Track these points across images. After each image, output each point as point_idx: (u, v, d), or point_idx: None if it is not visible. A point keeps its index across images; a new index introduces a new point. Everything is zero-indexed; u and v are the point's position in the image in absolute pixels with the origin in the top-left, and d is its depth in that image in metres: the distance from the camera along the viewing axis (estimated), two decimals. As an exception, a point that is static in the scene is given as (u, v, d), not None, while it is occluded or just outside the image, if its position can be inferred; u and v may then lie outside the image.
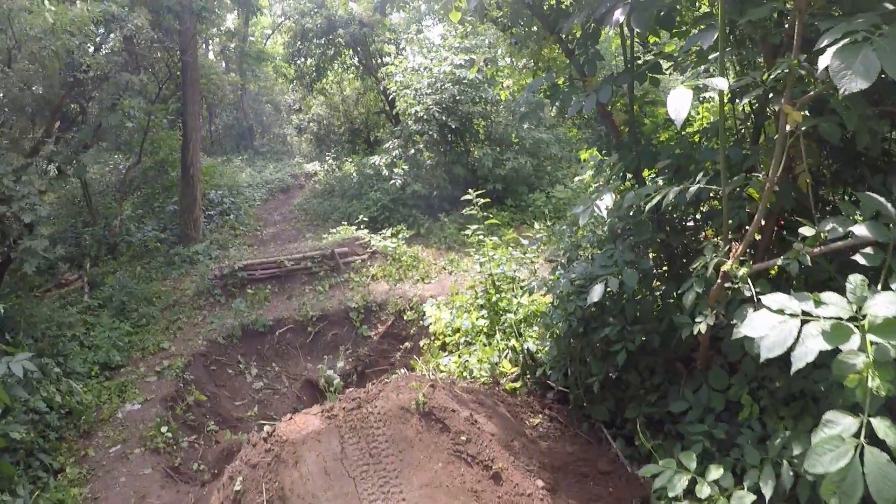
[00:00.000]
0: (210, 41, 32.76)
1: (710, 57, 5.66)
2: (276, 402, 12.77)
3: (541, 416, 8.38)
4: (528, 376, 9.09)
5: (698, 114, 9.00)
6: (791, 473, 5.03)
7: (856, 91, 3.29)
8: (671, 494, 5.36)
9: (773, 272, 5.89)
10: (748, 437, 5.76)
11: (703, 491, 5.30)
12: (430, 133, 19.58)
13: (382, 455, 6.29)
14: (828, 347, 3.46)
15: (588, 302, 6.19)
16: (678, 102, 3.96)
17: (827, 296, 3.76)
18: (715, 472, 5.38)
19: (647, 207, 5.62)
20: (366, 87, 31.92)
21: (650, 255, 7.40)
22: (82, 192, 19.25)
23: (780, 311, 3.74)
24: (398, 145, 20.71)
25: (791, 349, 3.54)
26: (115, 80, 14.30)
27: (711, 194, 5.77)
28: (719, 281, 5.32)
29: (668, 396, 7.01)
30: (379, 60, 28.45)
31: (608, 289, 6.19)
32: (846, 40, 3.44)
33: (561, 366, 8.28)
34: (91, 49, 14.22)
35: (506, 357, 9.60)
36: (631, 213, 6.99)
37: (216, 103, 31.67)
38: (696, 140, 7.27)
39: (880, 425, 3.30)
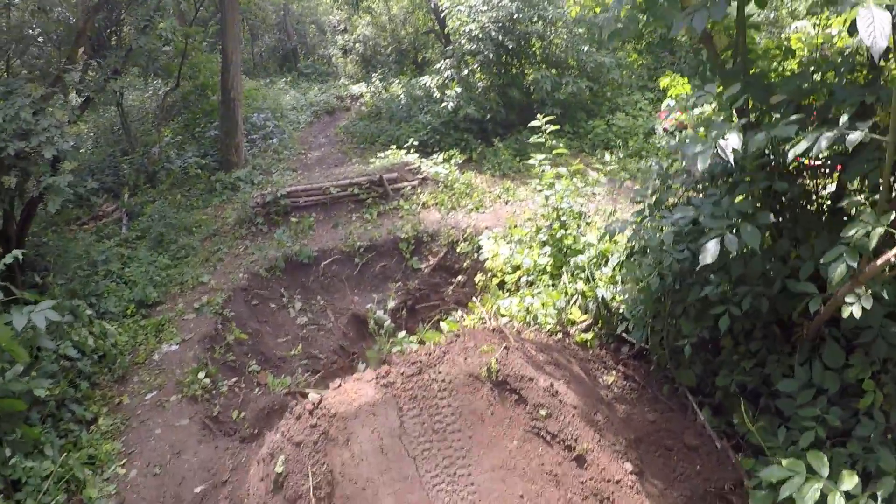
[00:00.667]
0: (252, -42, 31.59)
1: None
2: (321, 338, 12.07)
3: (615, 373, 7.48)
4: (601, 327, 8.15)
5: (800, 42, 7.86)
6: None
7: None
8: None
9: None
10: (869, 429, 4.97)
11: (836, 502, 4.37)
12: (485, 53, 18.41)
13: (448, 431, 5.36)
14: None
15: (701, 262, 5.06)
16: (876, 24, 2.88)
17: None
18: (848, 482, 4.45)
19: (793, 154, 4.55)
20: (414, 6, 30.70)
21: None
22: (119, 121, 18.53)
23: None
24: (450, 66, 19.58)
25: None
26: (144, 1, 13.33)
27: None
28: (892, 258, 4.29)
29: (767, 366, 6.11)
30: (430, -25, 27.17)
31: (725, 247, 5.06)
32: None
33: (644, 322, 7.28)
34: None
35: (574, 303, 8.64)
36: (759, 158, 5.89)
37: (258, 24, 30.73)
38: (821, 74, 6.10)
39: None
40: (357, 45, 33.68)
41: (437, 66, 20.47)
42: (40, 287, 10.25)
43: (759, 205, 5.99)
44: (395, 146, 18.90)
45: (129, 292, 11.49)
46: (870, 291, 4.52)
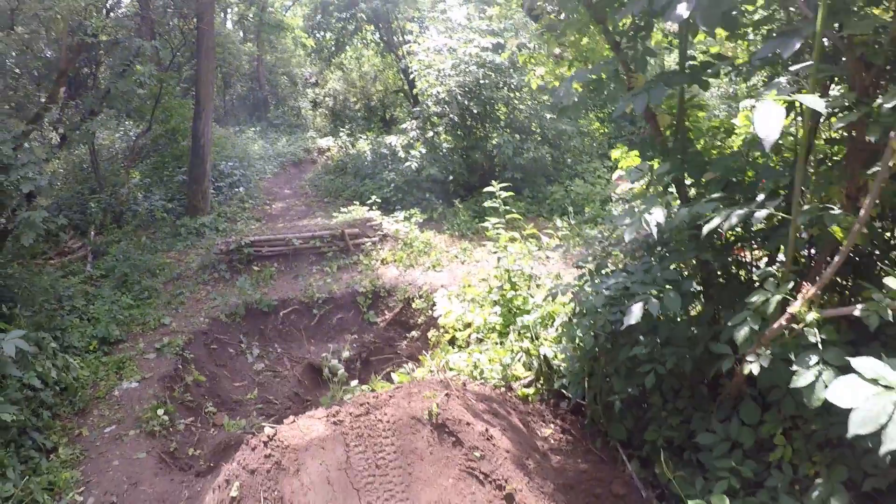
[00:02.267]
0: (228, 9, 32.24)
1: (791, 68, 5.15)
2: (276, 385, 12.38)
3: (553, 426, 7.97)
4: (542, 383, 8.67)
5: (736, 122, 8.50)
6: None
7: None
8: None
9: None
10: (778, 480, 5.43)
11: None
12: (451, 116, 19.15)
13: (390, 467, 5.85)
14: None
15: (625, 323, 5.65)
16: (769, 120, 3.45)
17: None
18: None
19: (707, 229, 5.13)
20: (385, 65, 31.53)
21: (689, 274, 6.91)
22: (90, 159, 18.88)
23: (874, 381, 3.28)
24: (416, 126, 20.30)
25: (884, 426, 3.09)
26: (126, 45, 13.88)
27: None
28: (783, 322, 4.83)
29: (692, 422, 6.61)
30: (401, 38, 27.95)
31: (649, 310, 5.67)
32: None
33: (580, 379, 7.83)
34: (103, 12, 13.75)
35: (519, 360, 9.16)
36: (681, 231, 6.50)
37: (231, 73, 31.29)
38: (753, 155, 6.74)
39: None
40: (327, 98, 34.38)
41: (404, 125, 21.16)
42: (7, 317, 10.53)
43: (687, 273, 6.61)
44: (357, 202, 19.38)
45: (92, 329, 11.76)
46: (769, 351, 5.05)
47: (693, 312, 7.05)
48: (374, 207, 18.50)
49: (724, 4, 5.07)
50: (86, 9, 11.70)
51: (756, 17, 6.32)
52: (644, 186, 7.12)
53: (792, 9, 5.41)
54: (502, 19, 19.19)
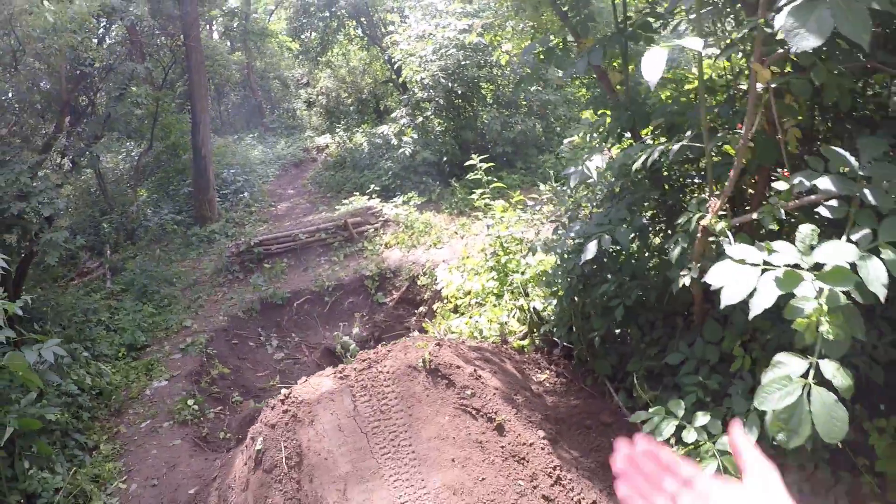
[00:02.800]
0: (213, 22, 32.87)
1: (691, 16, 5.83)
2: (296, 371, 13.09)
3: (548, 371, 8.68)
4: (535, 334, 9.38)
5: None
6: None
7: (808, 49, 3.45)
8: (659, 439, 5.60)
9: (775, 227, 5.92)
10: (739, 388, 5.98)
11: (690, 436, 5.53)
12: (437, 99, 19.77)
13: (392, 411, 6.63)
14: (781, 293, 3.65)
15: (582, 259, 6.38)
16: (652, 63, 4.07)
17: (779, 244, 3.94)
18: (702, 419, 5.60)
19: (634, 166, 5.82)
20: (371, 57, 31.97)
21: (647, 213, 7.59)
22: (97, 183, 19.65)
23: (742, 261, 3.92)
24: (406, 113, 20.91)
25: (750, 297, 3.74)
26: (120, 70, 14.62)
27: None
28: (700, 235, 5.45)
29: (667, 350, 7.23)
30: (383, 29, 28.54)
31: (602, 246, 6.37)
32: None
33: (565, 323, 8.56)
34: (95, 42, 14.48)
35: (514, 316, 9.89)
36: (626, 173, 7.19)
37: (223, 83, 31.89)
38: (693, 98, 7.42)
39: (828, 367, 3.48)
40: (320, 97, 34.85)
41: (394, 114, 21.78)
42: (39, 335, 11.29)
43: (651, 213, 7.34)
44: (358, 193, 19.96)
45: (119, 338, 12.54)
46: (698, 265, 5.67)
47: (655, 250, 7.74)
48: (373, 196, 19.10)
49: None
50: (81, 42, 12.43)
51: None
52: (583, 139, 7.81)
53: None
54: (473, 1, 19.76)
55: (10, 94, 12.43)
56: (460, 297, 11.74)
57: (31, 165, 10.46)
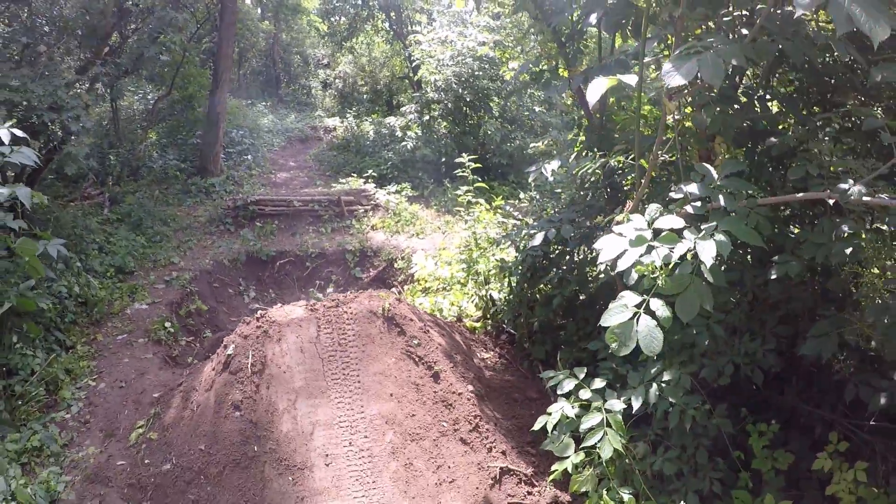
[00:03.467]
0: (250, -13, 33.72)
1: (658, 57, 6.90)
2: (268, 324, 14.02)
3: (492, 352, 9.70)
4: (488, 319, 10.40)
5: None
6: (657, 393, 6.28)
7: (674, 86, 4.63)
8: (559, 392, 6.65)
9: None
10: (640, 375, 6.89)
11: (584, 394, 6.60)
12: (446, 102, 20.74)
13: (349, 345, 7.70)
14: (638, 253, 4.84)
15: (529, 244, 7.50)
16: (594, 89, 5.18)
17: (635, 217, 5.22)
18: (598, 383, 6.69)
19: (579, 173, 6.92)
20: (393, 52, 32.80)
21: (597, 219, 8.63)
22: (111, 116, 20.38)
23: (620, 235, 5.08)
24: (415, 110, 21.87)
25: (618, 257, 4.92)
26: (159, 14, 15.46)
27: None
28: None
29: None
30: (410, 28, 29.47)
31: (548, 237, 7.48)
32: (683, 51, 4.72)
33: (513, 310, 9.60)
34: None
35: (472, 302, 10.92)
36: (590, 185, 8.26)
37: (248, 48, 32.64)
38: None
39: (656, 303, 4.66)
40: (337, 80, 35.62)
41: (403, 108, 22.69)
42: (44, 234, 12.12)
43: (587, 215, 8.44)
44: (356, 175, 20.88)
45: (110, 259, 13.32)
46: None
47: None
48: (370, 181, 20.00)
49: (621, 16, 6.84)
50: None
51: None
52: (546, 146, 8.92)
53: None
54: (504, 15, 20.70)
55: (54, 14, 13.18)
56: (430, 282, 12.69)
57: (69, 83, 11.31)
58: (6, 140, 7.38)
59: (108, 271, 13.06)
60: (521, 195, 15.82)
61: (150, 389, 9.39)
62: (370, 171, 20.83)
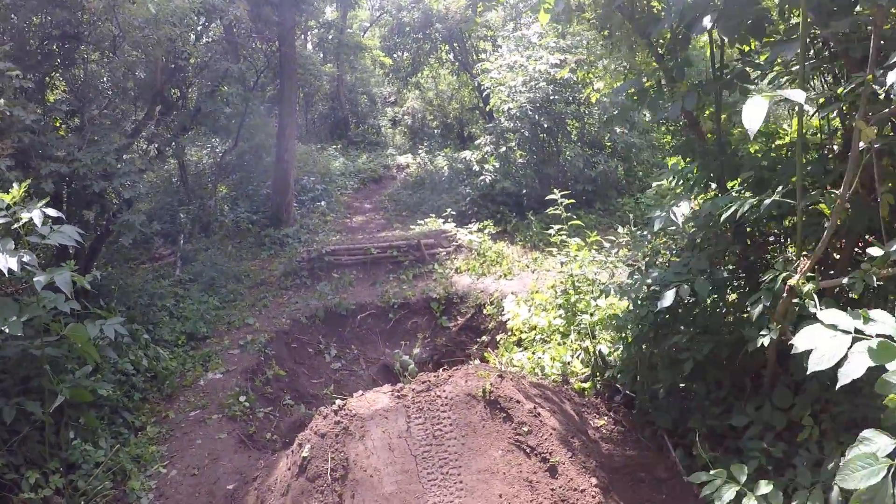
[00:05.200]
0: (309, 32, 33.35)
1: (793, 69, 5.64)
2: (351, 382, 13.04)
3: (606, 418, 8.45)
4: (598, 378, 9.15)
5: (789, 126, 8.88)
6: (840, 499, 5.01)
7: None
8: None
9: (856, 296, 5.57)
10: (804, 459, 5.77)
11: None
12: (523, 131, 19.66)
13: (445, 437, 6.48)
14: (873, 365, 3.44)
15: (659, 307, 6.21)
16: (753, 112, 3.97)
17: (876, 313, 3.73)
18: (764, 488, 5.36)
19: (723, 218, 5.64)
20: (461, 83, 32.21)
21: (728, 267, 7.35)
22: (179, 173, 19.97)
23: (833, 327, 3.71)
24: (490, 141, 20.81)
25: (839, 365, 3.54)
26: (214, 67, 14.81)
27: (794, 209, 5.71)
28: (785, 295, 5.25)
29: (733, 411, 7.00)
30: (475, 57, 28.66)
31: (680, 295, 6.19)
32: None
33: (630, 370, 8.31)
34: (192, 38, 14.73)
35: (578, 357, 9.68)
36: (710, 224, 6.97)
37: (313, 93, 32.27)
38: (784, 153, 7.20)
39: None
40: (406, 117, 35.21)
41: (478, 141, 21.71)
42: (104, 311, 11.43)
43: (731, 267, 7.09)
44: (434, 215, 19.94)
45: (181, 325, 12.63)
46: (779, 326, 5.46)
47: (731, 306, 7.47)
48: (449, 220, 19.01)
49: (742, 15, 5.59)
50: (180, 35, 12.62)
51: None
52: (670, 183, 7.61)
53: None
54: (571, 36, 19.60)
55: (105, 79, 12.64)
56: (525, 331, 11.55)
57: (119, 148, 10.61)
58: (39, 222, 6.54)
59: (180, 339, 12.32)
60: (620, 229, 14.59)
61: (224, 479, 8.46)
62: (448, 210, 19.83)
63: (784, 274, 5.19)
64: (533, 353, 10.38)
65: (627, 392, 8.58)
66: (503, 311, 13.14)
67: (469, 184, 21.17)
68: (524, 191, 19.77)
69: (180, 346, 12.19)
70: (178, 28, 12.49)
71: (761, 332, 5.48)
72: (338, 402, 7.10)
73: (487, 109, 23.16)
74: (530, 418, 6.80)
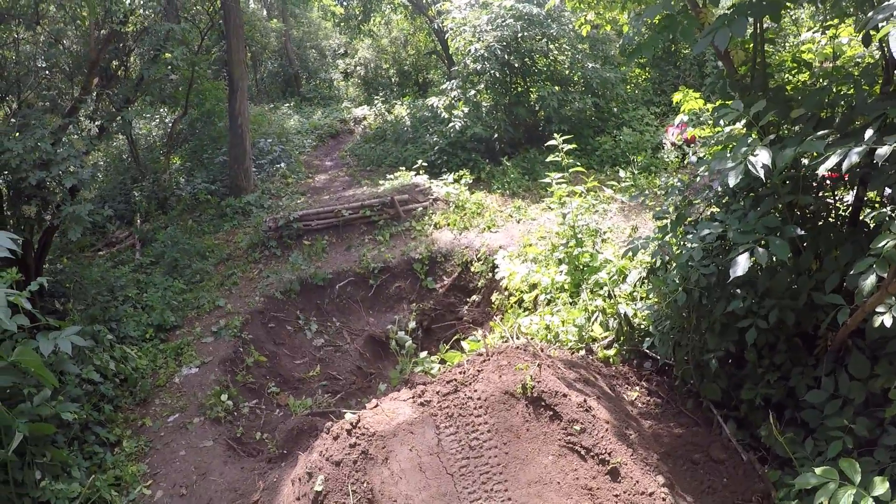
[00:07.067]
0: (250, -13, 31.86)
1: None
2: (338, 360, 12.12)
3: (638, 388, 7.55)
4: (623, 344, 8.18)
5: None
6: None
7: None
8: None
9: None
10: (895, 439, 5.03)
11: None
12: (491, 72, 18.53)
13: (484, 447, 5.46)
14: None
15: (731, 276, 5.10)
16: None
17: None
18: (880, 487, 4.45)
19: (823, 169, 4.59)
20: (415, 28, 31.00)
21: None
22: (129, 149, 18.89)
23: None
24: (456, 86, 19.70)
25: None
26: (154, 30, 13.48)
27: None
28: None
29: (791, 378, 6.16)
30: (429, -1, 27.43)
31: (756, 260, 5.14)
32: None
33: (669, 337, 7.29)
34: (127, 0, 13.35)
35: (595, 320, 8.67)
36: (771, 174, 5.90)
37: (260, 51, 31.02)
38: (838, 87, 6.09)
39: None
40: (358, 68, 34.04)
41: (444, 86, 20.57)
42: (60, 313, 10.30)
43: (783, 219, 6.05)
44: (403, 167, 18.98)
45: (147, 317, 11.56)
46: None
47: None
48: (420, 172, 18.03)
49: None
50: (111, -3, 11.24)
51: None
52: (738, 130, 6.55)
53: None
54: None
55: (37, 60, 11.36)
56: (525, 291, 10.60)
57: (54, 130, 9.35)
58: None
59: (147, 333, 11.27)
60: (621, 173, 13.62)
61: (218, 499, 7.57)
62: (418, 161, 18.72)
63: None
64: (541, 316, 9.39)
65: (666, 361, 7.61)
66: (493, 267, 12.22)
67: (436, 132, 20.14)
68: (495, 135, 18.91)
69: (148, 340, 11.15)
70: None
71: (879, 310, 4.54)
72: (349, 416, 5.93)
73: (449, 53, 21.98)
74: (581, 414, 5.75)
